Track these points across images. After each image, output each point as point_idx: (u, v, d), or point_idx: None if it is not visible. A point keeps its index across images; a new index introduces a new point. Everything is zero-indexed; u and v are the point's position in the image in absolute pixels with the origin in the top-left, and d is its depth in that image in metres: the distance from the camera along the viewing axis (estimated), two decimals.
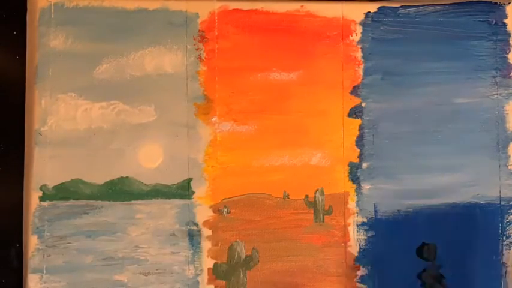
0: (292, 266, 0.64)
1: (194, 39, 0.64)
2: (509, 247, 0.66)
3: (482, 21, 0.67)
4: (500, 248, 0.66)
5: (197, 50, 0.64)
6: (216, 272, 0.63)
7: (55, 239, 0.61)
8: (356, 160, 0.65)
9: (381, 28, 0.66)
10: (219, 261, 0.63)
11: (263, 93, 0.65)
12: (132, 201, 0.63)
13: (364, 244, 0.64)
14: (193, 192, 0.63)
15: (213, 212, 0.63)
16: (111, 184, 0.62)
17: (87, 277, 0.62)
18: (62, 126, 0.62)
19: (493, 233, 0.66)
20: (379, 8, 0.66)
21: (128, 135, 0.63)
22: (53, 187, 0.62)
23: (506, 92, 0.67)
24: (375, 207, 0.65)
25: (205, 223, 0.63)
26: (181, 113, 0.63)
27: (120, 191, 0.62)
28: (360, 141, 0.65)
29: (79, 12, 0.63)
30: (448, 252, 0.65)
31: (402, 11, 0.66)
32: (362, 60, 0.66)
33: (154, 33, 0.64)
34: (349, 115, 0.65)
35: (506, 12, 0.67)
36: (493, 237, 0.66)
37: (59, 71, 0.62)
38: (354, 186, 0.65)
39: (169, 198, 0.63)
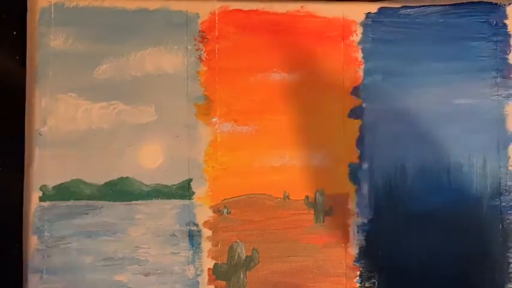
0: (292, 267, 0.64)
1: (194, 39, 0.64)
2: (510, 248, 0.66)
3: (483, 22, 0.67)
4: (500, 249, 0.66)
5: (197, 50, 0.64)
6: (216, 273, 0.63)
7: (55, 239, 0.61)
8: (356, 161, 0.65)
9: (382, 29, 0.66)
10: (219, 262, 0.63)
11: (263, 94, 0.65)
12: (132, 202, 0.63)
13: (364, 245, 0.65)
14: (193, 193, 0.63)
15: (213, 212, 0.63)
16: (111, 184, 0.62)
17: (88, 277, 0.62)
18: (62, 126, 0.62)
19: (493, 233, 0.66)
20: (380, 9, 0.66)
21: (128, 135, 0.63)
22: (53, 187, 0.62)
23: (506, 92, 0.67)
24: (375, 208, 0.65)
25: (206, 223, 0.63)
26: (181, 114, 0.63)
27: (120, 191, 0.62)
28: (360, 142, 0.65)
29: (79, 12, 0.63)
30: (449, 253, 0.65)
31: (403, 11, 0.66)
32: (362, 60, 0.66)
33: (154, 34, 0.64)
34: (350, 116, 0.65)
35: (507, 13, 0.67)
36: (493, 238, 0.66)
37: (59, 71, 0.62)
38: (355, 187, 0.65)
39: (170, 199, 0.63)
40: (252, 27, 0.65)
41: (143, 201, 0.63)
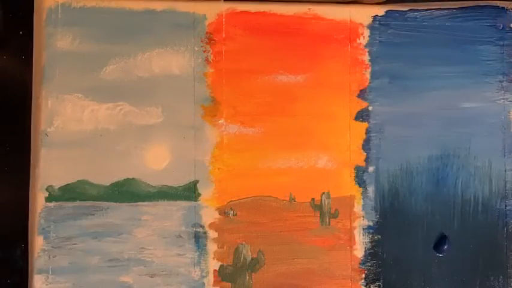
0: (297, 269, 0.64)
1: (201, 41, 0.64)
2: None
3: (489, 25, 0.67)
4: (505, 252, 0.66)
5: (204, 51, 0.64)
6: (221, 274, 0.63)
7: (61, 240, 0.61)
8: (362, 163, 0.65)
9: (389, 32, 0.66)
10: (224, 264, 0.63)
11: (270, 96, 0.65)
12: (138, 203, 0.62)
13: (369, 248, 0.65)
14: (199, 194, 0.63)
15: (219, 214, 0.63)
16: (117, 185, 0.62)
17: (93, 278, 0.61)
18: (69, 127, 0.62)
19: (498, 237, 0.66)
20: (387, 12, 0.66)
21: (135, 136, 0.63)
22: (59, 188, 0.62)
23: None
24: (380, 211, 0.65)
25: (211, 225, 0.63)
26: (188, 115, 0.63)
27: (126, 192, 0.62)
28: (366, 145, 0.65)
29: (86, 13, 0.63)
30: (454, 256, 0.65)
31: (410, 14, 0.66)
32: (369, 63, 0.66)
33: (161, 35, 0.63)
34: (356, 118, 0.65)
35: None
36: (498, 242, 0.66)
37: (66, 72, 0.62)
38: (360, 189, 0.65)
39: (175, 200, 0.63)
40: (259, 29, 0.65)
41: (149, 203, 0.63)
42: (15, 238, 0.61)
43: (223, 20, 0.64)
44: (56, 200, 0.62)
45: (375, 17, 0.66)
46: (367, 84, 0.66)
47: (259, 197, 0.64)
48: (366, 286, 0.65)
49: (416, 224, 0.65)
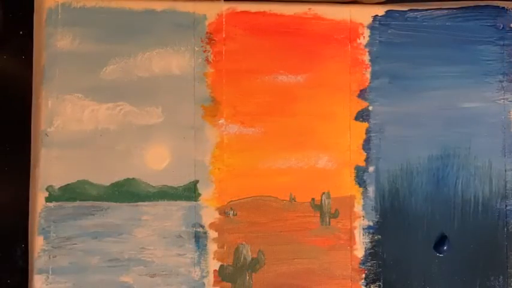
0: (298, 269, 0.64)
1: (202, 41, 0.64)
2: None
3: (490, 25, 0.67)
4: (505, 252, 0.66)
5: (204, 51, 0.64)
6: (221, 274, 0.63)
7: (61, 240, 0.61)
8: (363, 163, 0.65)
9: (389, 32, 0.66)
10: (224, 264, 0.63)
11: (270, 96, 0.65)
12: (139, 203, 0.63)
13: (369, 248, 0.65)
14: (199, 194, 0.63)
15: (219, 214, 0.63)
16: (117, 185, 0.62)
17: (93, 278, 0.61)
18: (69, 127, 0.62)
19: (498, 237, 0.66)
20: (387, 12, 0.66)
21: (135, 136, 0.63)
22: (59, 188, 0.62)
23: None
24: (381, 211, 0.65)
25: (211, 225, 0.63)
26: (188, 115, 0.63)
27: (127, 192, 0.62)
28: (366, 145, 0.65)
29: (86, 13, 0.63)
30: (454, 256, 0.65)
31: (410, 14, 0.66)
32: (369, 63, 0.66)
33: (161, 35, 0.63)
34: (356, 118, 0.65)
35: None
36: (498, 242, 0.66)
37: (66, 72, 0.62)
38: (361, 189, 0.65)
39: (176, 200, 0.63)
40: (259, 29, 0.65)
41: (149, 203, 0.63)
42: (15, 238, 0.61)
43: (223, 20, 0.64)
44: (56, 200, 0.62)
45: (375, 17, 0.66)
46: (367, 84, 0.66)
47: (259, 197, 0.64)
48: (366, 286, 0.65)
49: (416, 224, 0.65)
